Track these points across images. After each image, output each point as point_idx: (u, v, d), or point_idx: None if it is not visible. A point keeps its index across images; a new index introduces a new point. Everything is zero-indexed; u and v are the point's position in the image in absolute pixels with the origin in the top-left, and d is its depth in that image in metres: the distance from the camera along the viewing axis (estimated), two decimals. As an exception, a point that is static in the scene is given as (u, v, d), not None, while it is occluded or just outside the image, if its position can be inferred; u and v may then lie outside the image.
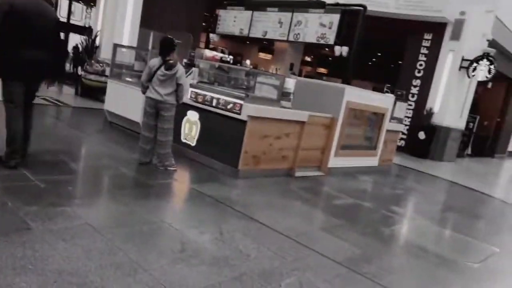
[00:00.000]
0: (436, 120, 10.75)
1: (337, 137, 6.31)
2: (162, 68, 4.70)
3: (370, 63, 18.83)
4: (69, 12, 13.28)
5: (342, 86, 6.60)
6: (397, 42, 12.09)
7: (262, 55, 18.59)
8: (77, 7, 14.18)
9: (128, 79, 7.18)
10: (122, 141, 6.03)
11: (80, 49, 10.90)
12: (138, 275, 2.45)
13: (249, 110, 5.04)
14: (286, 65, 15.69)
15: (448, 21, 10.47)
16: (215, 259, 2.85)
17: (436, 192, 7.46)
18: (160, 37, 5.23)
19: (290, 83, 8.45)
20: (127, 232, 3.02)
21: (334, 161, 6.40)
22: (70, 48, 13.51)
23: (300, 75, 16.03)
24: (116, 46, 7.40)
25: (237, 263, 2.86)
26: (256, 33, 10.17)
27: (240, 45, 18.03)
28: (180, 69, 4.78)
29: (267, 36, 10.05)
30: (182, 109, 5.69)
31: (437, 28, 10.71)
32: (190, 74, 6.57)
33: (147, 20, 10.34)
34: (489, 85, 11.87)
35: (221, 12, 10.80)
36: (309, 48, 16.05)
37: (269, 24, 9.90)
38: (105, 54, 9.69)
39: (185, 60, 8.57)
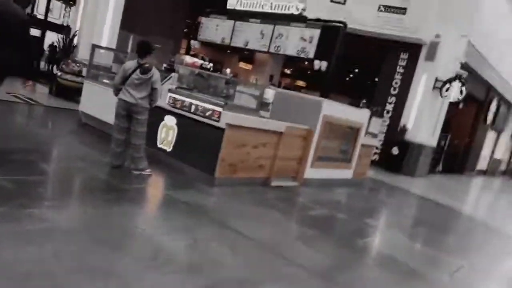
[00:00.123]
0: (410, 136, 11.02)
1: (313, 149, 6.37)
2: (138, 72, 4.62)
3: (347, 78, 19.19)
4: (47, 9, 13.00)
5: (320, 99, 6.68)
6: (374, 60, 12.39)
7: (242, 64, 18.66)
8: (56, 5, 13.87)
9: (105, 80, 7.05)
10: (96, 143, 5.89)
11: (57, 47, 10.65)
12: (109, 280, 2.37)
13: (227, 118, 5.03)
14: (266, 76, 15.79)
15: (423, 43, 10.82)
16: (188, 267, 2.81)
17: (408, 206, 7.62)
18: (139, 40, 5.16)
19: (269, 94, 8.50)
20: (98, 236, 2.93)
21: (310, 172, 6.45)
22: (46, 46, 13.21)
23: (279, 86, 16.16)
24: (94, 46, 7.28)
25: (211, 272, 2.81)
26: (238, 43, 10.21)
27: (221, 53, 18.02)
28: (155, 73, 4.71)
29: (249, 46, 10.11)
30: (159, 113, 5.63)
31: (413, 48, 11.05)
32: (169, 79, 6.50)
33: (128, 23, 10.23)
34: (461, 105, 12.29)
35: (203, 20, 10.80)
36: (289, 60, 16.21)
37: (251, 34, 9.97)
38: (82, 54, 9.51)
39: (164, 65, 8.50)
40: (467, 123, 15.69)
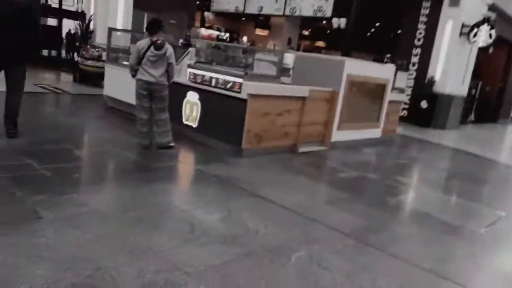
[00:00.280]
0: (438, 88, 10.66)
1: (339, 111, 6.28)
2: (152, 49, 4.68)
3: (368, 34, 18.54)
4: (61, -3, 13.07)
5: (342, 59, 6.53)
6: (395, 11, 11.87)
7: (259, 31, 18.30)
8: (68, -8, 13.93)
9: (125, 62, 7.09)
10: (123, 125, 6.02)
11: (75, 34, 10.75)
12: (149, 257, 2.48)
13: (248, 88, 5.00)
14: (283, 40, 15.47)
15: (447, -13, 10.25)
16: (224, 238, 2.89)
17: (440, 160, 7.47)
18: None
19: (289, 59, 8.35)
20: (135, 216, 3.05)
21: (337, 135, 6.40)
22: (63, 34, 13.36)
23: (298, 49, 15.84)
24: (111, 30, 7.29)
25: (247, 240, 2.89)
26: (252, 9, 10.02)
27: (236, 22, 17.72)
28: (169, 48, 4.79)
29: (263, 12, 9.91)
30: (181, 90, 5.67)
31: (435, -5, 10.50)
32: (187, 54, 6.48)
33: (141, 2, 10.16)
34: (490, 50, 11.70)
35: (215, -11, 10.61)
36: (306, 21, 15.79)
37: (265, -1, 9.73)
38: (100, 38, 9.57)
39: (181, 41, 8.45)
40: (499, 67, 14.98)
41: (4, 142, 4.43)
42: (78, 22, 10.53)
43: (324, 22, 14.30)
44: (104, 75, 7.24)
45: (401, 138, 8.49)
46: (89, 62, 9.36)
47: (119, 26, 9.49)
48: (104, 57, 8.48)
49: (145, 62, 4.71)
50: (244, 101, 5.03)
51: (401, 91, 8.33)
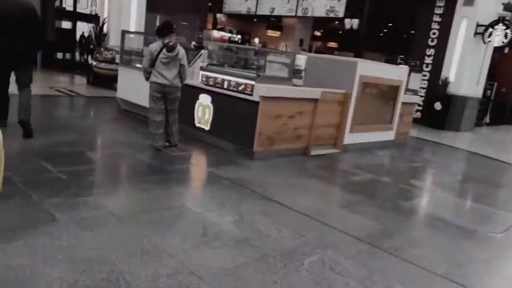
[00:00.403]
0: (452, 89, 10.50)
1: (351, 113, 6.24)
2: (164, 51, 4.77)
3: (381, 35, 18.38)
4: (75, 0, 13.22)
5: (355, 60, 6.48)
6: (408, 11, 11.75)
7: (270, 32, 18.29)
8: (82, -6, 14.10)
9: (138, 65, 7.16)
10: (136, 128, 6.07)
11: (88, 37, 10.88)
12: (163, 260, 2.50)
13: (260, 90, 5.01)
14: (295, 41, 15.44)
15: (460, -14, 10.11)
16: (237, 241, 2.89)
17: (455, 163, 7.37)
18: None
19: (301, 60, 8.33)
20: (149, 218, 3.07)
21: (350, 137, 6.35)
22: (77, 37, 13.52)
23: (310, 50, 15.78)
24: (124, 32, 7.37)
25: (259, 244, 2.89)
26: (264, 10, 10.02)
27: (247, 23, 17.74)
28: (180, 50, 4.88)
29: (275, 13, 9.90)
30: (194, 92, 5.69)
31: (449, -6, 10.37)
32: (199, 56, 6.51)
33: (153, 5, 10.24)
34: (506, 50, 11.51)
35: (227, -9, 10.64)
36: (318, 22, 15.73)
37: (276, 0, 9.72)
38: (113, 41, 9.67)
39: (193, 43, 8.51)
40: (515, 68, 14.69)
41: (19, 145, 4.51)
42: (92, 25, 10.65)
43: (336, 22, 14.23)
44: (117, 77, 7.32)
45: (414, 141, 8.40)
46: (103, 65, 9.47)
47: (132, 29, 9.58)
48: (117, 60, 8.58)
49: (158, 64, 4.79)
50: (256, 103, 5.03)
51: (415, 92, 8.25)
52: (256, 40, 16.72)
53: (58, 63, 13.31)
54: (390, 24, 17.09)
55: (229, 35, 15.12)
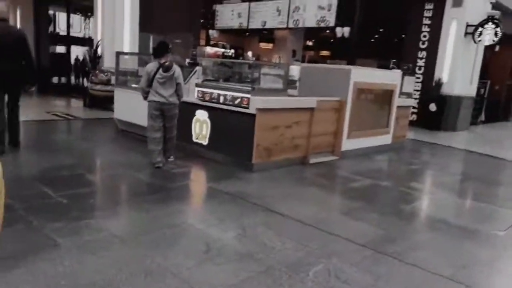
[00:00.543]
0: (446, 90, 10.58)
1: (347, 120, 6.28)
2: (161, 71, 4.87)
3: (373, 41, 18.54)
4: (68, 25, 13.36)
5: (348, 67, 6.55)
6: (398, 16, 11.89)
7: (263, 45, 18.45)
8: (75, 19, 14.23)
9: (134, 85, 7.22)
10: (135, 147, 6.10)
11: (83, 60, 10.97)
12: (167, 279, 2.49)
13: (256, 103, 5.05)
14: (288, 52, 15.58)
15: (448, -12, 10.26)
16: (240, 255, 2.89)
17: (453, 162, 7.39)
18: (159, 40, 5.38)
19: (295, 71, 8.41)
20: (151, 238, 3.07)
21: (347, 144, 6.38)
22: (72, 61, 13.64)
23: (303, 60, 15.91)
24: (118, 54, 7.44)
25: (263, 257, 2.89)
26: (256, 24, 10.13)
27: (240, 37, 17.91)
28: (176, 69, 4.99)
29: (267, 26, 10.00)
30: (190, 109, 5.73)
31: (437, -4, 10.51)
32: (194, 73, 6.57)
33: (146, 24, 10.34)
34: (497, 48, 11.61)
35: (218, 7, 10.77)
36: (309, 32, 15.89)
37: (268, 13, 9.84)
38: (108, 63, 9.74)
39: (188, 60, 8.57)
40: (507, 65, 14.80)
41: (19, 171, 4.53)
42: (86, 48, 10.75)
43: (328, 31, 14.39)
44: (113, 98, 7.37)
45: (412, 143, 8.43)
46: (99, 87, 9.54)
47: (126, 50, 9.66)
48: (113, 81, 8.64)
49: (155, 84, 4.90)
50: (252, 116, 5.07)
51: (409, 95, 8.30)
52: (250, 53, 16.87)
53: (54, 87, 13.41)
54: (381, 30, 17.26)
55: (222, 50, 15.27)
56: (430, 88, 10.73)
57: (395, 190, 5.02)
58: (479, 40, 10.32)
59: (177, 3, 10.95)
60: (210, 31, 11.59)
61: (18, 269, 2.48)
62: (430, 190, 5.46)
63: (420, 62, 11.06)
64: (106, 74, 9.58)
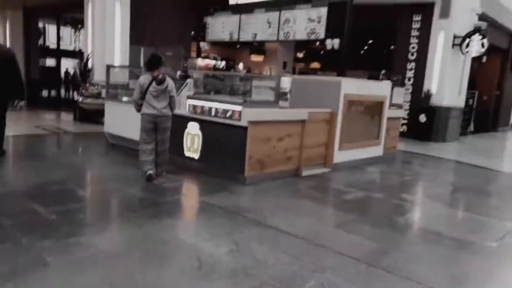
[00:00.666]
0: (435, 101, 10.72)
1: (339, 131, 6.30)
2: (154, 84, 4.92)
3: (362, 52, 18.77)
4: (58, 38, 13.31)
5: (338, 79, 6.59)
6: (387, 28, 12.06)
7: (254, 57, 18.53)
8: (66, 32, 14.19)
9: (124, 98, 7.19)
10: (126, 161, 6.04)
11: (74, 73, 10.92)
12: (160, 297, 2.45)
13: (248, 115, 5.05)
14: (279, 64, 15.68)
15: (435, 0, 10.45)
16: (233, 271, 2.86)
17: (444, 173, 7.44)
18: (150, 52, 5.40)
19: (286, 83, 8.44)
20: (143, 254, 3.02)
21: (339, 156, 6.40)
22: (62, 74, 13.56)
23: (294, 72, 16.01)
24: (109, 67, 7.41)
25: (256, 272, 2.86)
26: (246, 37, 10.19)
27: (231, 50, 17.97)
28: (169, 82, 5.05)
29: (257, 38, 10.06)
30: (182, 122, 5.71)
31: (425, 8, 10.70)
32: (185, 86, 6.55)
33: (136, 37, 10.35)
34: (484, 59, 11.83)
35: (208, 20, 10.82)
36: (300, 44, 16.02)
37: (258, 25, 9.91)
38: (98, 76, 9.71)
39: (179, 72, 8.56)
40: (494, 75, 15.10)
41: (7, 187, 4.46)
42: (76, 61, 10.71)
43: (318, 43, 14.53)
44: (104, 112, 7.32)
45: (403, 154, 8.49)
46: (89, 100, 9.49)
47: (116, 63, 9.64)
48: (103, 94, 8.60)
49: (148, 97, 4.94)
50: (244, 128, 5.06)
51: (399, 106, 8.38)
52: (241, 65, 16.92)
53: (44, 101, 13.30)
54: (370, 42, 17.49)
55: (213, 62, 15.30)
56: (420, 99, 10.86)
57: (388, 202, 5.03)
58: (467, 51, 10.50)
59: (167, 15, 10.98)
60: (201, 44, 11.61)
61: (6, 289, 2.41)
62: (422, 202, 5.48)
63: (409, 73, 11.20)
64: (96, 87, 9.53)
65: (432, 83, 10.74)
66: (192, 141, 5.69)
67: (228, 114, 5.24)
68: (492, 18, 11.66)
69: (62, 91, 13.30)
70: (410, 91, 11.13)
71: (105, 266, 2.79)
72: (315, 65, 20.20)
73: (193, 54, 14.61)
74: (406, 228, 4.22)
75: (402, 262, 3.21)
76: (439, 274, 3.08)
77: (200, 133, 5.60)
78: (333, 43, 10.62)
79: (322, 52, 18.79)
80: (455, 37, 10.49)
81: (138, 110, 5.08)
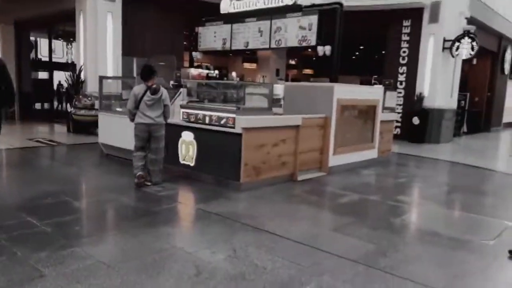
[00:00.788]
0: (428, 103, 10.81)
1: (333, 136, 6.33)
2: (148, 93, 4.99)
3: (354, 57, 18.94)
4: (50, 50, 13.30)
5: (331, 85, 6.64)
6: (378, 33, 12.20)
7: (247, 65, 18.63)
8: (58, 44, 14.20)
9: (118, 109, 7.17)
10: (120, 171, 6.01)
11: (67, 85, 10.88)
12: (158, 305, 2.43)
13: (242, 122, 5.06)
14: (272, 72, 15.78)
15: (424, 6, 10.60)
16: (232, 277, 2.84)
17: (439, 174, 7.48)
18: (143, 63, 5.45)
19: (279, 89, 8.48)
20: (140, 264, 3.00)
21: (334, 160, 6.42)
22: (55, 86, 13.53)
23: (287, 79, 16.11)
24: (102, 78, 7.41)
25: (255, 278, 2.84)
26: (238, 45, 10.22)
27: (224, 58, 18.07)
28: (164, 91, 5.13)
29: (249, 47, 10.10)
30: (176, 130, 5.71)
31: (414, 14, 10.84)
32: (179, 95, 6.57)
33: (129, 47, 10.36)
34: (474, 61, 11.98)
35: (200, 30, 10.86)
36: (292, 51, 16.14)
37: (250, 34, 9.96)
38: (91, 87, 9.69)
39: (172, 82, 8.58)
40: (484, 77, 15.29)
41: (1, 200, 4.41)
42: (69, 73, 10.69)
43: (310, 50, 14.64)
44: (97, 123, 7.30)
45: (397, 157, 8.53)
46: (82, 112, 9.46)
47: (109, 74, 9.64)
48: (96, 106, 8.58)
49: (142, 106, 5.01)
50: (239, 135, 5.07)
51: (392, 110, 8.44)
52: (234, 73, 16.98)
53: (37, 113, 13.23)
54: (362, 47, 17.66)
55: (206, 71, 15.35)
56: (412, 102, 10.95)
57: (384, 203, 5.04)
58: (457, 54, 10.63)
59: (159, 26, 11.02)
60: (194, 53, 11.64)
61: (1, 302, 2.38)
62: (418, 202, 5.50)
63: (401, 77, 11.30)
64: (89, 98, 9.51)
65: (424, 86, 10.85)
66: (187, 149, 5.69)
67: (222, 121, 5.25)
68: (480, 21, 11.82)
69: (55, 103, 13.24)
70: (402, 94, 11.23)
71: (102, 277, 2.77)
72: (308, 71, 20.32)
73: (186, 63, 14.65)
74: (403, 229, 4.23)
75: (399, 263, 3.22)
76: (437, 273, 3.09)
77: (194, 141, 5.59)
78: (325, 49, 10.71)
79: (314, 58, 18.96)
80: (445, 40, 10.62)
81: (132, 119, 5.15)
